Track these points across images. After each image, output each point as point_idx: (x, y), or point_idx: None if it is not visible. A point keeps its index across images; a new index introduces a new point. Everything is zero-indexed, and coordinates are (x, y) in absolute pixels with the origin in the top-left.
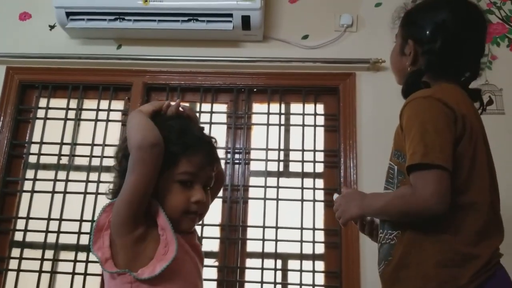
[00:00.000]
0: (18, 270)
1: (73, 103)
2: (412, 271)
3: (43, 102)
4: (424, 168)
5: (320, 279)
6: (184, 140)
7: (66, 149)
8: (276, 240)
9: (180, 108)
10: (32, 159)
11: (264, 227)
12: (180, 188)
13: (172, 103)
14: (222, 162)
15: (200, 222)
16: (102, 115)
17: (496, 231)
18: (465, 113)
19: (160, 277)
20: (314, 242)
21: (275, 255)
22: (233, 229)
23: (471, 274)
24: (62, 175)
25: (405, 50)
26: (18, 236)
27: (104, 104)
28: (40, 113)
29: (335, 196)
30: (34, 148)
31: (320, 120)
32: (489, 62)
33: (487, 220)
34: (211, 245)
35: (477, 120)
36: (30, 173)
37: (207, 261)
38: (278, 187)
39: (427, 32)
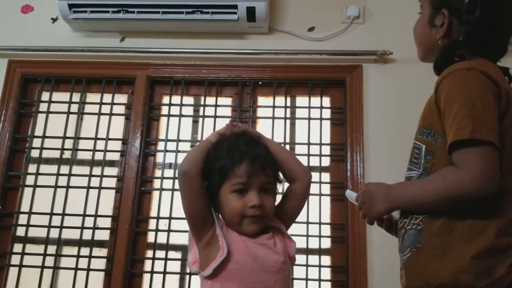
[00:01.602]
0: (20, 266)
1: (76, 97)
2: (446, 261)
3: (45, 96)
4: (472, 144)
5: (326, 273)
6: (231, 155)
7: (68, 143)
8: None
9: (238, 125)
10: (35, 153)
11: None
12: (236, 197)
13: (236, 123)
14: None
15: None
16: (105, 109)
17: None
18: (508, 90)
19: (219, 276)
20: (320, 236)
21: None
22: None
23: (510, 263)
24: (64, 169)
25: (436, 21)
26: (20, 231)
27: (107, 97)
28: (43, 106)
29: (348, 192)
30: (37, 142)
31: (327, 113)
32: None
33: None
34: None
35: None
36: (32, 168)
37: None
38: (284, 181)
39: (466, 1)
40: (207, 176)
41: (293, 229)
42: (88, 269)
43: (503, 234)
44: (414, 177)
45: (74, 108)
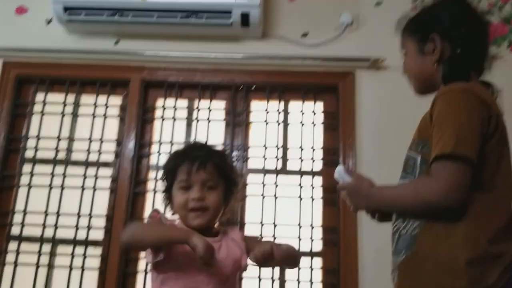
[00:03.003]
0: (15, 264)
1: (70, 98)
2: (441, 266)
3: (40, 97)
4: (451, 159)
5: (317, 275)
6: (177, 158)
7: (63, 144)
8: (274, 237)
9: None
10: (29, 153)
11: (262, 223)
12: (181, 192)
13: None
14: None
15: None
16: (100, 111)
17: None
18: (499, 113)
19: (159, 268)
20: (312, 239)
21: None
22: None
23: (500, 271)
24: (59, 169)
25: (426, 49)
26: (15, 230)
27: (101, 99)
28: (37, 107)
29: (340, 170)
30: (31, 143)
31: (319, 118)
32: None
33: (509, 218)
34: None
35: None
36: (27, 168)
37: None
38: (276, 184)
39: (448, 22)
40: (165, 176)
41: (285, 232)
42: (83, 268)
43: (495, 242)
44: None
45: (69, 109)
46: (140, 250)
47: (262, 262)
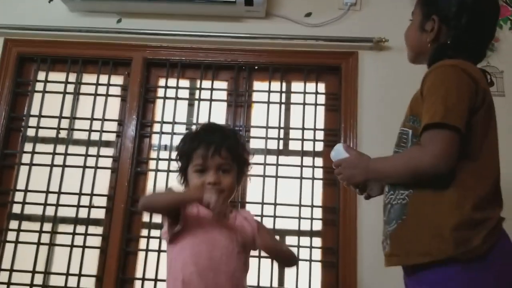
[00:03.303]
0: (16, 242)
1: (72, 77)
2: (428, 232)
3: (41, 75)
4: (439, 127)
5: (317, 255)
6: (192, 142)
7: (64, 123)
8: (275, 217)
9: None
10: (31, 132)
11: (262, 203)
12: (197, 175)
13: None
14: None
15: None
16: (102, 90)
17: (499, 200)
18: (486, 88)
19: (175, 243)
20: (312, 219)
21: (273, 231)
22: (232, 205)
23: (484, 235)
24: (60, 148)
25: (426, 27)
26: (16, 209)
27: (103, 78)
28: (39, 86)
29: (338, 147)
30: (33, 121)
31: (321, 99)
32: (491, 44)
33: (493, 188)
34: None
35: (492, 98)
36: (28, 146)
37: None
38: (277, 164)
39: (453, 9)
40: (180, 158)
41: (286, 212)
42: (84, 247)
43: (480, 208)
44: None
45: (70, 88)
46: (156, 212)
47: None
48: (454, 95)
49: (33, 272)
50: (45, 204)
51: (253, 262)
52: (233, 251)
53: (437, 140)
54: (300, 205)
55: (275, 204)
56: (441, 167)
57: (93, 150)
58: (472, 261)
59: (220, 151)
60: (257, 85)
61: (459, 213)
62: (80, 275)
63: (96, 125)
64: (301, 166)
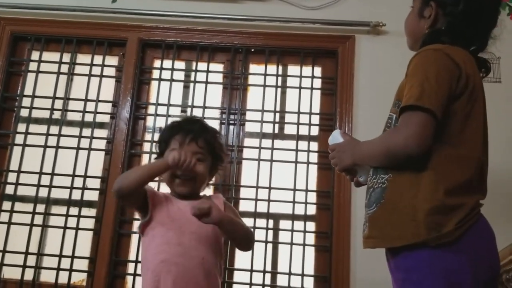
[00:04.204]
0: (9, 223)
1: (66, 57)
2: (403, 216)
3: (35, 55)
4: (414, 110)
5: (310, 239)
6: (171, 129)
7: (58, 104)
8: (269, 200)
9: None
10: (24, 112)
11: (257, 187)
12: None
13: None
14: (217, 122)
15: None
16: (96, 70)
17: (480, 186)
18: (470, 73)
19: (146, 234)
20: (306, 203)
21: (267, 215)
22: (227, 188)
23: (456, 221)
24: (54, 129)
25: (425, 13)
26: (9, 189)
27: (98, 59)
28: (32, 66)
29: (336, 134)
30: (26, 102)
31: (317, 83)
32: None
33: (473, 174)
34: None
35: (480, 83)
36: (21, 127)
37: None
38: (272, 148)
39: None
40: (159, 144)
41: (280, 196)
42: (77, 229)
43: (454, 194)
44: None
45: (64, 68)
46: (129, 195)
47: (198, 214)
48: (433, 78)
49: (26, 253)
50: (38, 185)
51: None
52: (201, 235)
53: (410, 122)
54: (294, 189)
55: (270, 188)
56: (412, 149)
57: (87, 132)
58: (445, 245)
59: (197, 140)
60: (253, 68)
61: (433, 198)
62: (73, 256)
63: (90, 106)
64: (296, 150)
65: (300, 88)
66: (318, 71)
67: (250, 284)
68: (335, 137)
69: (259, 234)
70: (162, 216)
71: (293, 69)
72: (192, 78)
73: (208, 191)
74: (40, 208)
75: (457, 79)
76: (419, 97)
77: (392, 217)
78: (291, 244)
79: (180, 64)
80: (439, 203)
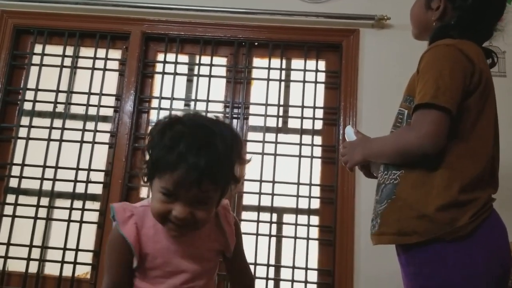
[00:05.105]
0: (13, 216)
1: (69, 51)
2: (416, 212)
3: (38, 48)
4: (429, 107)
5: (314, 233)
6: (169, 153)
7: (62, 97)
8: (273, 194)
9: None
10: (27, 106)
11: (261, 181)
12: (163, 199)
13: None
14: (220, 116)
15: None
16: (99, 64)
17: (491, 182)
18: (483, 68)
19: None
20: (310, 197)
21: (271, 209)
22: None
23: (470, 215)
24: (57, 123)
25: (432, 4)
26: (13, 183)
27: (101, 52)
28: (36, 59)
29: (349, 129)
30: (29, 95)
31: (321, 77)
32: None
33: (485, 169)
34: None
35: (491, 77)
36: (25, 120)
37: None
38: (276, 142)
39: None
40: (148, 162)
41: (284, 190)
42: (81, 222)
43: (467, 190)
44: None
45: (67, 61)
46: None
47: None
48: (447, 75)
49: (30, 246)
50: (42, 179)
51: (251, 240)
52: (196, 272)
53: (426, 121)
54: (298, 183)
55: (274, 182)
56: (427, 148)
57: (90, 125)
58: (458, 239)
59: (201, 183)
60: (257, 61)
61: (446, 194)
62: (77, 249)
63: (94, 99)
64: (300, 144)
65: (304, 82)
66: (322, 65)
67: (254, 277)
68: (349, 135)
69: (262, 228)
70: (151, 254)
71: (297, 63)
72: (196, 72)
73: None
74: (44, 201)
75: (470, 75)
76: (434, 94)
77: (404, 213)
78: (295, 238)
79: (184, 58)
80: (452, 199)
